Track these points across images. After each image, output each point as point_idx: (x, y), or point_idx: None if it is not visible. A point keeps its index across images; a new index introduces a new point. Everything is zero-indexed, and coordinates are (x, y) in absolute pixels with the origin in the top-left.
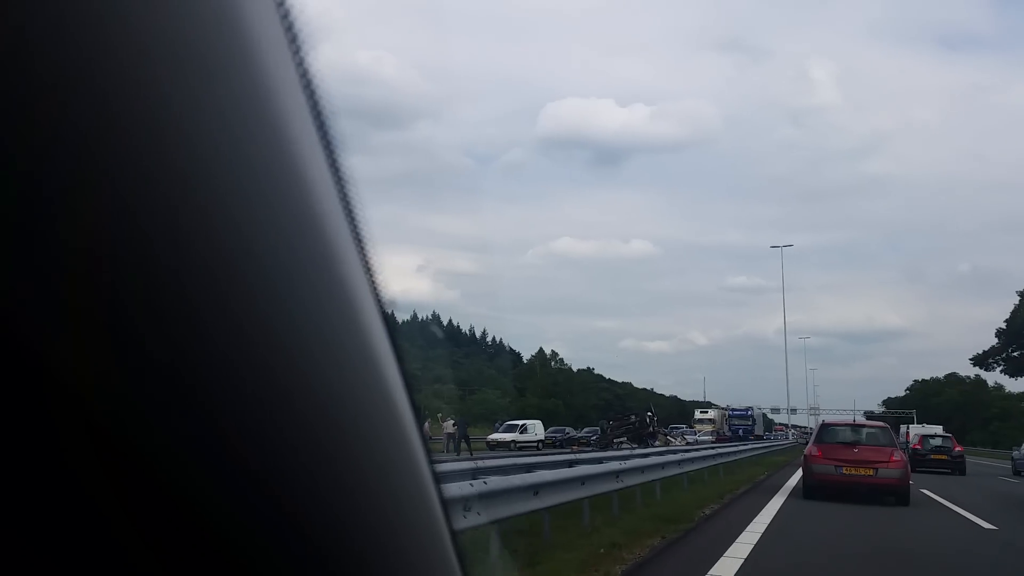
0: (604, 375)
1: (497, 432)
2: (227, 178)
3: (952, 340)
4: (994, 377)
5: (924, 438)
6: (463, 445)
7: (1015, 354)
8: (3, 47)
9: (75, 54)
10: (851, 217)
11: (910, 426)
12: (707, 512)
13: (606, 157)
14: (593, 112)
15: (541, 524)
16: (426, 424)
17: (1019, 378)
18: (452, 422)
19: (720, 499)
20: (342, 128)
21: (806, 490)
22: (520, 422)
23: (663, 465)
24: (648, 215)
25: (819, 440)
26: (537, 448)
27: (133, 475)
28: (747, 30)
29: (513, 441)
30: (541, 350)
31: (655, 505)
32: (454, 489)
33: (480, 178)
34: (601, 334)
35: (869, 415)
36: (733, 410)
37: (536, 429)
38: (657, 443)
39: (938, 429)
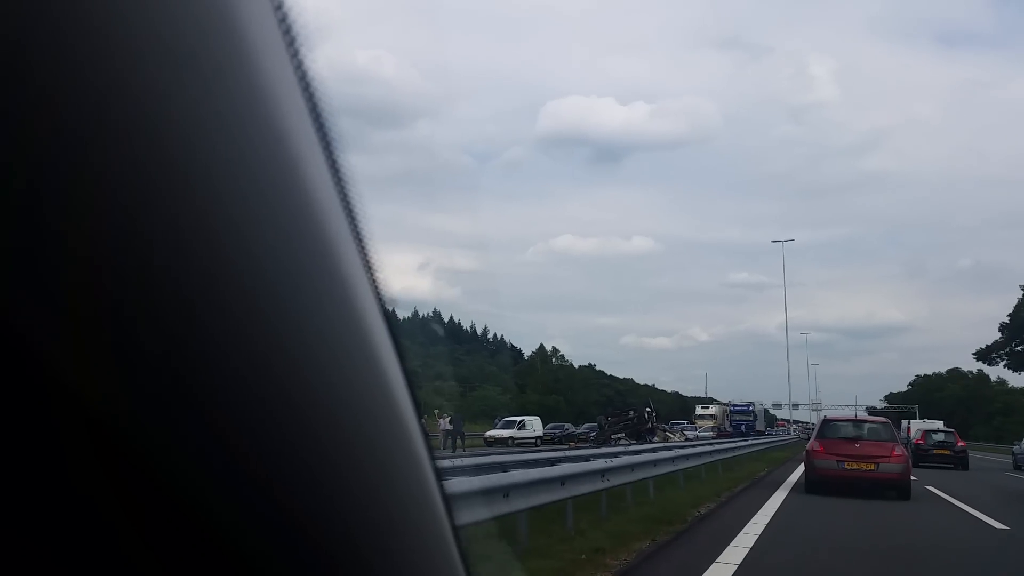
0: (605, 371)
1: (495, 428)
2: (227, 178)
3: (954, 335)
4: (997, 372)
5: (927, 433)
6: (457, 442)
7: (1018, 348)
8: (2, 49)
9: (74, 55)
10: (851, 213)
11: (912, 421)
12: (702, 512)
13: (606, 154)
14: (593, 110)
15: (518, 527)
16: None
17: (1023, 372)
18: (448, 419)
19: (717, 497)
20: (341, 127)
21: (808, 484)
22: (518, 418)
23: (655, 463)
24: (649, 212)
25: (821, 435)
26: (535, 444)
27: (134, 475)
28: (746, 27)
29: (511, 437)
30: (542, 347)
31: (647, 504)
32: None
33: (480, 176)
34: (602, 331)
35: (871, 410)
36: (735, 406)
37: (534, 425)
38: (656, 439)
39: (940, 424)
